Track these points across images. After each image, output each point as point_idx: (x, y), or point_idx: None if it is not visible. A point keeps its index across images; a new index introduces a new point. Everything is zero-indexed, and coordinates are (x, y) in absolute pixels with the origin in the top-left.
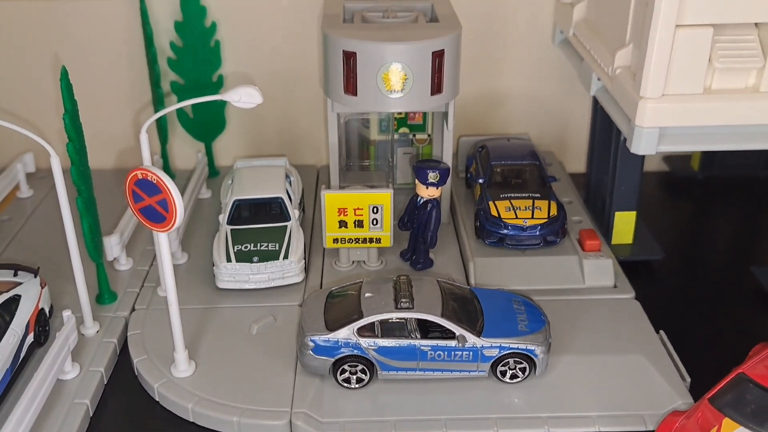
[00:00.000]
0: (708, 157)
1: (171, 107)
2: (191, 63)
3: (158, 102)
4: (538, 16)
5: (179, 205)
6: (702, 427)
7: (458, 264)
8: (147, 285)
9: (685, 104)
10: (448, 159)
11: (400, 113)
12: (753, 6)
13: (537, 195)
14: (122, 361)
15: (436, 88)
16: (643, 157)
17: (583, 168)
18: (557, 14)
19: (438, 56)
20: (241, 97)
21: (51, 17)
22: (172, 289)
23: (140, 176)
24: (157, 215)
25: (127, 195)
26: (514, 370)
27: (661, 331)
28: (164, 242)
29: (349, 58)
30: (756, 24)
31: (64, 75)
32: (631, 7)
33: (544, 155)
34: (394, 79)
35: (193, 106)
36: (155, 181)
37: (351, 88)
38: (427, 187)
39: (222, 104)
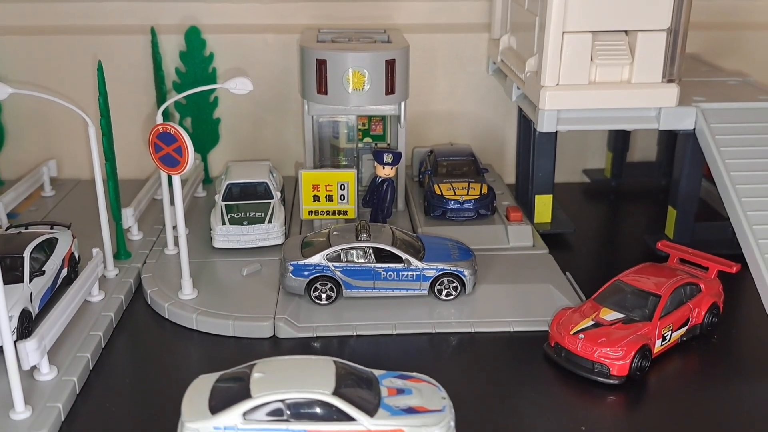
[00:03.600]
0: (617, 167)
1: (177, 96)
2: (192, 85)
3: (165, 117)
4: (476, 51)
5: (190, 149)
6: (584, 314)
7: None
8: (156, 248)
9: (575, 92)
10: (403, 151)
11: (363, 125)
12: (621, 17)
13: (472, 180)
14: (137, 297)
15: (390, 89)
16: (554, 149)
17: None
18: (489, 49)
19: (390, 64)
20: (236, 85)
21: (91, 44)
22: (181, 222)
23: (161, 130)
24: (173, 161)
25: (150, 147)
26: (448, 289)
27: (567, 272)
28: (177, 182)
29: (321, 64)
30: (626, 32)
31: (100, 68)
32: (536, 28)
33: (485, 166)
34: (356, 81)
35: (193, 122)
36: (173, 132)
37: (323, 89)
38: (383, 167)
39: (216, 122)
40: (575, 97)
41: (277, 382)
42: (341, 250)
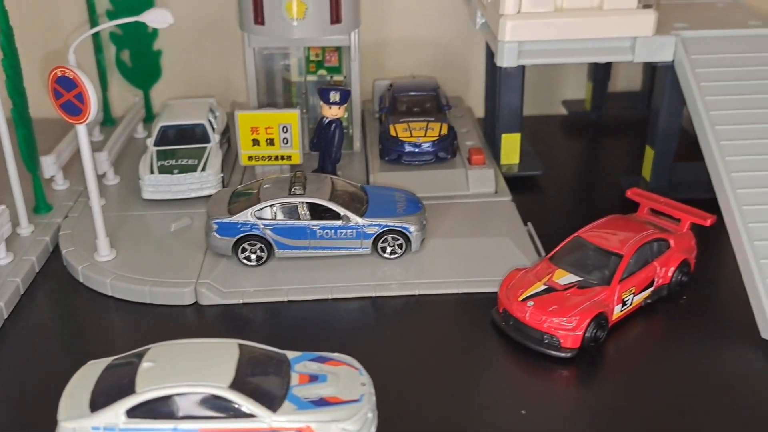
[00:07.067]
0: (598, 98)
1: (85, 34)
2: (127, 13)
3: (98, 50)
4: None
5: (92, 96)
6: (538, 276)
7: (363, 179)
8: (81, 199)
9: (538, 21)
10: (356, 87)
11: (317, 56)
12: None
13: (431, 119)
14: (54, 257)
15: (335, 18)
16: (521, 83)
17: None
18: None
19: None
20: (155, 18)
21: None
22: (91, 178)
23: (59, 74)
24: (75, 109)
25: (49, 93)
26: (393, 247)
27: (529, 223)
28: (83, 133)
29: None
30: None
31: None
32: None
33: (452, 99)
34: (295, 9)
35: (131, 55)
36: (72, 77)
37: (260, 18)
38: (330, 107)
39: (157, 54)
40: (539, 26)
41: (167, 373)
42: (270, 206)
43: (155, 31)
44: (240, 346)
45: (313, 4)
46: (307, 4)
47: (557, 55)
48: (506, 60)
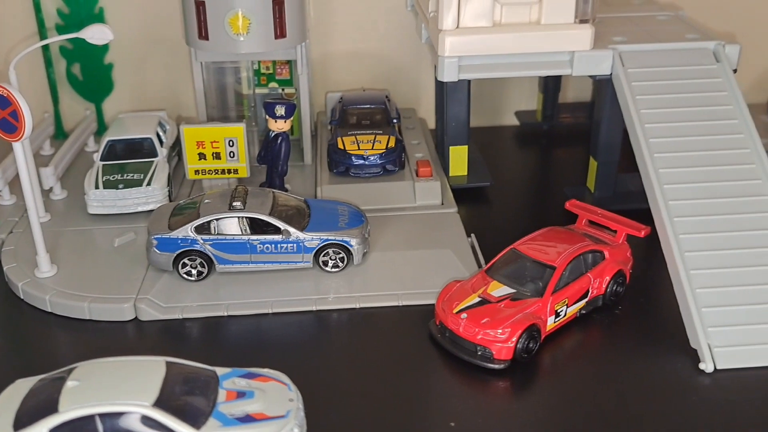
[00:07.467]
0: (549, 109)
1: (39, 43)
2: (77, 28)
3: (49, 64)
4: None
5: (27, 114)
6: (473, 288)
7: (311, 192)
8: (27, 215)
9: (477, 36)
10: (305, 101)
11: (268, 68)
12: None
13: (379, 131)
14: None
15: (279, 33)
16: (467, 96)
17: None
18: None
19: (278, 4)
20: (93, 34)
21: None
22: (29, 195)
23: None
24: (11, 126)
25: None
26: (334, 260)
27: (472, 235)
28: (19, 151)
29: (199, 6)
30: None
31: None
32: None
33: (406, 111)
34: (240, 24)
35: (82, 69)
36: (6, 95)
37: (204, 34)
38: (275, 121)
39: (109, 68)
40: (478, 42)
41: (91, 391)
42: (209, 221)
43: (106, 45)
44: (167, 363)
45: (256, 19)
46: (251, 19)
47: (497, 69)
48: (447, 75)
